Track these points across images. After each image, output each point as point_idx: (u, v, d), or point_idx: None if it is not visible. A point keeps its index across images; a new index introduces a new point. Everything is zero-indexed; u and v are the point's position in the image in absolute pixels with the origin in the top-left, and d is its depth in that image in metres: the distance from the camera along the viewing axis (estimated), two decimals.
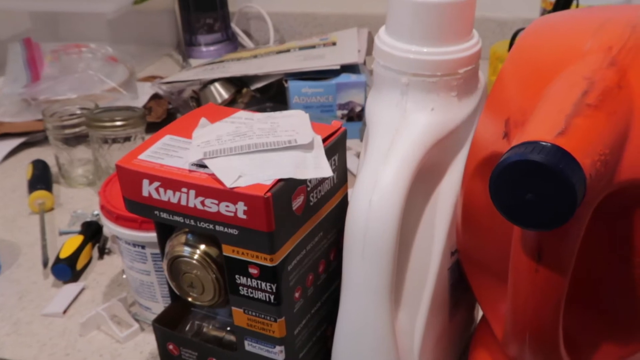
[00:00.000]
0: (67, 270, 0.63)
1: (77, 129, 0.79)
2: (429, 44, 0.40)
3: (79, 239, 0.66)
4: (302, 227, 0.41)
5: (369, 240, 0.38)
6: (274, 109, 0.93)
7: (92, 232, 0.68)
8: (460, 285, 0.46)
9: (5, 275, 0.66)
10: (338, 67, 0.87)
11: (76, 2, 1.08)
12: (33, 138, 0.93)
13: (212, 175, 0.39)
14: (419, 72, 0.41)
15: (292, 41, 1.03)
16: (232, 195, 0.38)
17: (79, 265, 0.64)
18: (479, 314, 0.52)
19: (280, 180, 0.38)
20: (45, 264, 0.66)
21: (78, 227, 0.71)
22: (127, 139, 0.76)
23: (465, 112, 0.42)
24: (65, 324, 0.58)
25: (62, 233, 0.72)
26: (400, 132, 0.40)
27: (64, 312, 0.59)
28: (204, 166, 0.40)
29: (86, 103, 0.82)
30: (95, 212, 0.74)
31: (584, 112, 0.30)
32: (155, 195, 0.41)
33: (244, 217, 0.38)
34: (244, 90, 0.92)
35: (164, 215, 0.41)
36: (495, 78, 0.87)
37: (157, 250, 0.52)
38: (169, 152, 0.42)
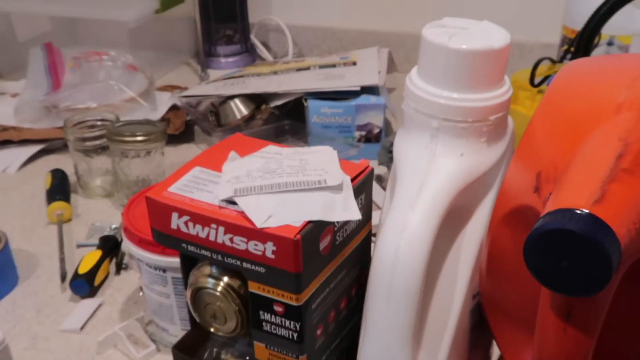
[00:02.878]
0: (85, 285, 0.63)
1: (97, 142, 0.79)
2: (461, 90, 0.41)
3: (97, 254, 0.67)
4: (327, 266, 0.42)
5: (395, 285, 0.39)
6: (292, 126, 0.93)
7: (110, 247, 0.69)
8: (479, 327, 0.46)
9: (23, 287, 0.66)
10: (358, 89, 0.88)
11: (98, 8, 1.09)
12: (52, 145, 0.93)
13: (242, 213, 0.39)
14: (450, 117, 0.41)
15: (311, 57, 1.03)
16: (261, 235, 0.38)
17: (97, 281, 0.65)
18: (494, 352, 0.52)
19: (309, 221, 0.39)
20: (63, 278, 0.66)
21: (96, 240, 0.71)
22: (147, 152, 0.77)
23: (494, 157, 0.43)
24: (83, 341, 0.59)
25: (79, 246, 0.72)
26: (429, 177, 0.41)
27: (81, 328, 0.60)
28: (234, 203, 0.40)
29: (107, 114, 0.83)
30: (114, 226, 0.74)
31: (619, 178, 0.30)
32: (183, 229, 0.41)
33: (272, 256, 0.39)
34: (263, 106, 0.93)
35: (191, 248, 0.42)
36: (516, 106, 0.87)
37: (178, 275, 0.52)
38: (199, 186, 0.43)
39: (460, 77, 0.40)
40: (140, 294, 0.64)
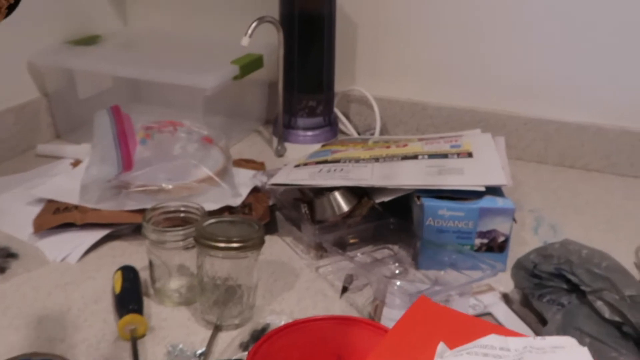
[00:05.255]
0: None
1: (181, 243, 0.67)
2: None
3: None
4: None
5: None
6: (397, 226, 0.80)
7: None
8: None
9: None
10: (483, 189, 0.75)
11: (178, 73, 0.98)
12: (119, 231, 0.81)
13: None
14: None
15: (414, 142, 0.91)
16: None
17: None
18: None
19: None
20: None
21: None
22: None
23: None
24: None
25: None
26: None
27: None
28: None
29: (190, 204, 0.71)
30: (199, 352, 0.61)
31: None
32: None
33: None
34: (364, 199, 0.80)
35: None
36: None
37: None
38: None
39: None
40: None
